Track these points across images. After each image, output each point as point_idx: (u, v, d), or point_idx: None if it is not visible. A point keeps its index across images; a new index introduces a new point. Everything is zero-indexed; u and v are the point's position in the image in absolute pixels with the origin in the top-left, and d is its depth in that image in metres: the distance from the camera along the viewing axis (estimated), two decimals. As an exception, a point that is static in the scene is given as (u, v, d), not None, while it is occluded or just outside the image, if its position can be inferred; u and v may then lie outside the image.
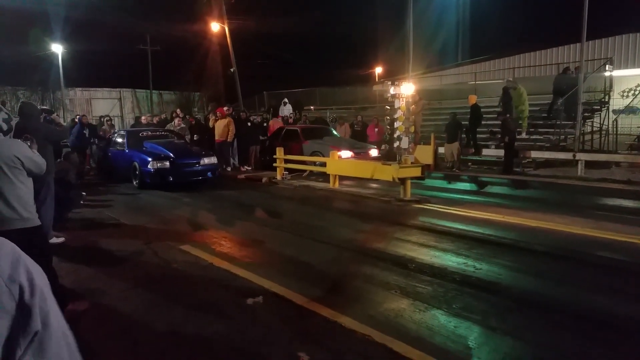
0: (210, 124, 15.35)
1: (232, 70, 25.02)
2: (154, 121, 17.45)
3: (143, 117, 17.95)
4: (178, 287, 4.94)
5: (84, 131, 14.65)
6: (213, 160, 12.30)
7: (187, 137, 14.74)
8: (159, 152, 11.88)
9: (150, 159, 11.50)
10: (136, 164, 11.82)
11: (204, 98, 34.86)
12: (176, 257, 5.91)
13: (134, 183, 11.89)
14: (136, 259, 5.93)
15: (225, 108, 15.82)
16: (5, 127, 3.75)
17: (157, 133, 13.74)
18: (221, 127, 14.69)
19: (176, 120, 15.62)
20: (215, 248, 6.34)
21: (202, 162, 11.99)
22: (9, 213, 3.64)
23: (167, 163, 11.50)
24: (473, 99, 15.44)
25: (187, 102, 34.86)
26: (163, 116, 18.27)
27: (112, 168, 13.39)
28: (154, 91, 35.71)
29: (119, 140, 13.40)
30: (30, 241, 3.66)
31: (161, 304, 4.47)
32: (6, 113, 3.76)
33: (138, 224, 8.03)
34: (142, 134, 13.27)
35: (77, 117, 16.77)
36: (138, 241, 6.74)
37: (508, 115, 14.22)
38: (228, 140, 14.84)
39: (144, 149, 12.25)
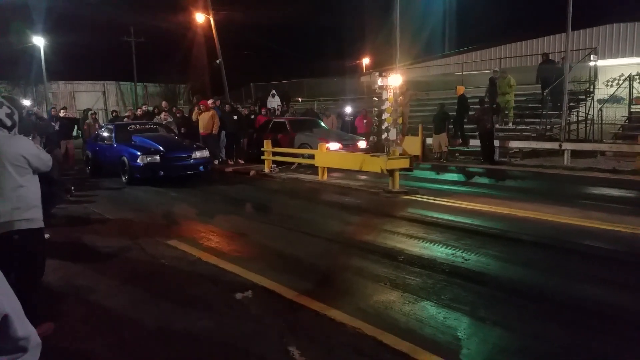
0: (194, 117, 15.14)
1: (218, 61, 24.74)
2: (138, 113, 17.09)
3: (128, 112, 17.67)
4: (166, 283, 4.89)
5: (53, 124, 14.25)
6: (205, 153, 12.03)
7: (175, 131, 14.56)
8: (149, 146, 11.57)
9: (139, 153, 11.21)
10: (125, 158, 11.51)
11: (190, 90, 34.54)
12: (164, 253, 5.85)
13: (123, 178, 11.60)
14: (123, 255, 5.87)
15: (210, 101, 15.64)
16: (9, 122, 3.51)
17: (147, 126, 13.47)
18: (205, 119, 14.54)
19: (162, 115, 15.39)
20: (203, 243, 6.30)
21: (193, 155, 11.71)
22: (11, 214, 3.45)
23: (157, 157, 11.21)
24: (460, 90, 15.47)
25: (172, 94, 34.50)
26: (144, 107, 17.77)
27: (100, 163, 13.10)
28: (138, 83, 35.28)
29: (106, 134, 13.04)
30: (28, 244, 3.52)
31: (149, 301, 4.43)
32: (8, 107, 3.52)
33: (124, 219, 7.94)
34: (131, 128, 12.93)
35: (50, 109, 16.47)
36: (124, 237, 6.66)
37: (486, 105, 14.31)
38: (213, 132, 14.70)
39: (133, 142, 11.92)
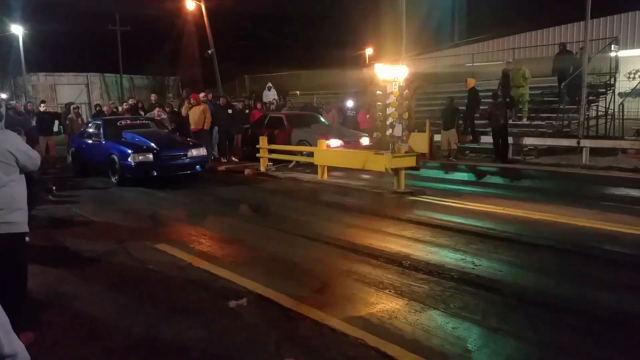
0: (184, 111, 15.10)
1: (210, 52, 24.75)
2: (123, 109, 16.94)
3: (106, 107, 17.55)
4: (154, 289, 4.90)
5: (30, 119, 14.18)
6: (202, 151, 11.88)
7: (169, 127, 14.48)
8: (141, 144, 11.42)
9: (130, 151, 11.03)
10: (115, 157, 11.35)
11: (180, 82, 34.54)
12: (152, 257, 5.86)
13: (113, 179, 11.45)
14: (108, 260, 5.87)
15: (202, 94, 15.63)
16: None
17: (138, 122, 13.27)
18: (196, 114, 14.51)
19: (156, 111, 15.17)
20: (194, 247, 6.30)
21: (189, 154, 11.55)
22: None
23: (150, 155, 11.04)
24: (471, 83, 15.47)
25: (161, 87, 34.48)
26: (131, 101, 17.51)
27: (87, 162, 12.94)
28: (124, 76, 35.23)
29: (94, 130, 12.85)
30: (10, 249, 3.49)
31: (136, 308, 4.43)
32: None
33: (109, 221, 7.95)
34: (121, 123, 12.77)
35: (26, 103, 16.39)
36: (110, 240, 6.67)
37: (499, 99, 14.30)
38: (205, 128, 14.70)
39: (123, 140, 11.77)
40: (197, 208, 8.97)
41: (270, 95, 21.80)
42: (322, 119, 15.72)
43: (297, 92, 25.92)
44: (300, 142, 13.50)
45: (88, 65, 34.96)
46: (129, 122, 13.09)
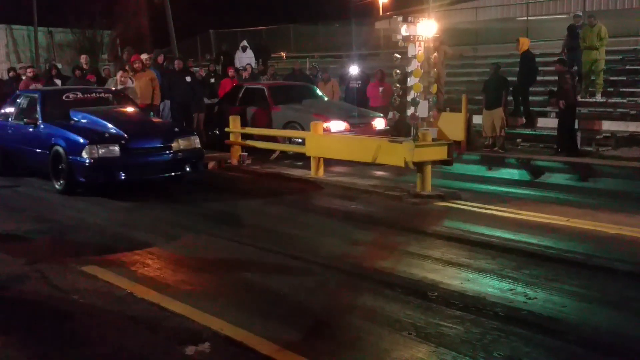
0: (119, 79, 14.86)
1: (160, -5, 24.75)
2: (28, 74, 16.46)
3: (27, 71, 17.24)
4: (79, 329, 4.88)
5: None
6: (192, 142, 11.01)
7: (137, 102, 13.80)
8: (101, 129, 10.45)
9: (85, 141, 9.96)
10: (59, 149, 10.30)
11: (118, 39, 34.39)
12: (77, 284, 5.83)
13: (56, 184, 10.46)
14: (14, 288, 5.84)
15: (147, 56, 15.56)
16: None
17: (93, 95, 12.33)
18: (142, 84, 14.42)
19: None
20: (137, 270, 6.29)
21: (174, 145, 10.59)
22: None
23: (116, 148, 10.04)
24: (525, 44, 15.51)
25: (91, 45, 34.33)
26: (30, 71, 16.49)
27: (12, 156, 12.12)
28: (40, 29, 35.05)
29: (24, 107, 11.99)
30: None
31: (53, 358, 4.42)
32: None
33: (17, 233, 7.90)
34: (67, 97, 11.82)
35: None
36: (17, 260, 6.63)
37: (575, 67, 14.31)
38: (154, 103, 14.67)
39: (73, 122, 10.95)
40: (140, 214, 8.97)
41: (245, 58, 21.76)
42: (319, 92, 15.71)
43: (283, 55, 25.96)
44: (289, 125, 13.50)
45: (-11, 13, 34.80)
46: (79, 95, 12.11)
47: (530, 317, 4.94)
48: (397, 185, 10.28)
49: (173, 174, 10.77)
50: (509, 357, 4.26)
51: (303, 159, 12.13)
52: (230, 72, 17.54)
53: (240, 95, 15.22)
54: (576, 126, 14.26)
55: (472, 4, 25.23)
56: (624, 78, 17.02)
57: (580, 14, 16.97)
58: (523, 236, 7.25)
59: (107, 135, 10.32)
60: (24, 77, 16.74)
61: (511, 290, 5.54)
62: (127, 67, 15.50)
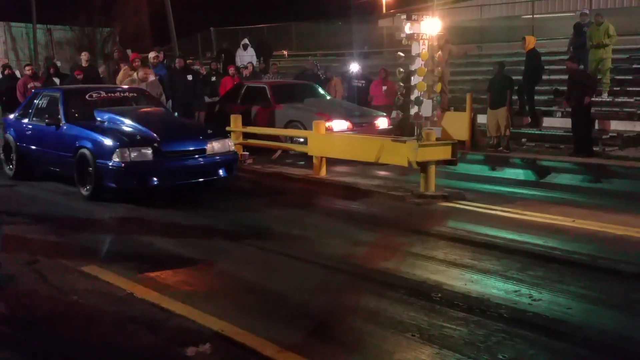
0: (120, 77, 14.97)
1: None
2: (27, 73, 16.40)
3: (27, 69, 17.20)
4: (79, 330, 4.88)
5: None
6: (226, 145, 10.58)
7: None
8: (131, 131, 10.02)
9: (116, 144, 9.50)
10: (86, 152, 9.80)
11: (118, 37, 34.43)
12: (77, 284, 5.84)
13: (83, 190, 9.94)
14: (11, 288, 5.84)
15: (152, 54, 15.60)
16: None
17: (118, 94, 11.91)
18: (142, 83, 14.48)
19: (141, 73, 14.22)
20: (138, 270, 6.29)
21: (208, 148, 10.18)
22: None
23: (149, 151, 9.56)
24: (531, 42, 15.49)
25: (90, 42, 34.37)
26: (28, 69, 16.37)
27: (33, 158, 11.60)
28: (39, 26, 35.12)
29: (44, 106, 11.42)
30: None
31: (51, 359, 4.42)
32: None
33: (16, 232, 7.86)
34: (92, 96, 11.36)
35: None
36: (16, 258, 6.62)
37: (581, 66, 14.29)
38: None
39: (99, 123, 10.46)
40: (141, 214, 8.96)
41: (246, 56, 21.77)
42: (322, 91, 15.70)
43: (285, 53, 25.95)
44: (291, 124, 13.50)
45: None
46: (102, 94, 11.66)
47: (535, 318, 4.94)
48: (401, 185, 10.28)
49: (207, 178, 10.38)
50: (513, 360, 4.26)
51: (305, 159, 12.13)
52: (231, 70, 17.55)
53: (242, 93, 15.21)
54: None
55: (477, 2, 25.17)
56: (631, 77, 16.97)
57: (587, 12, 16.91)
58: (528, 237, 7.25)
59: (138, 137, 9.84)
60: (20, 75, 16.81)
61: (516, 291, 5.54)
62: (125, 64, 15.55)
